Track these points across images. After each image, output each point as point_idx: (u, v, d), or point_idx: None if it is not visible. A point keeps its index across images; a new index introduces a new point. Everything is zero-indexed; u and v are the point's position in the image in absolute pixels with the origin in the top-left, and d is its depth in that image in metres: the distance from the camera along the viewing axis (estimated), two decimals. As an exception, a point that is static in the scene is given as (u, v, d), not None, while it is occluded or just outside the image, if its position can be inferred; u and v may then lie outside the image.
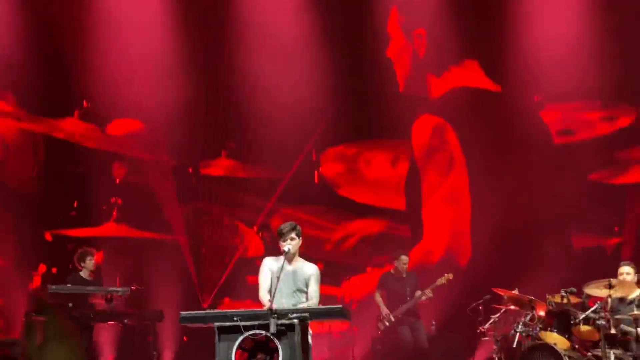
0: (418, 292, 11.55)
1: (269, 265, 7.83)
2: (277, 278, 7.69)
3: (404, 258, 11.85)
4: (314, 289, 7.76)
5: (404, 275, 11.79)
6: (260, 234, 14.59)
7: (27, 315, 10.41)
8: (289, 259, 7.80)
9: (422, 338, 11.57)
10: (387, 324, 11.53)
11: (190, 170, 14.54)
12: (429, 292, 11.56)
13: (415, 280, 11.78)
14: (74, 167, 14.20)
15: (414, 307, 11.64)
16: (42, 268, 13.72)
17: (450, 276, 11.45)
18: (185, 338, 13.10)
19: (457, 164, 14.63)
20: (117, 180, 14.23)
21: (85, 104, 14.15)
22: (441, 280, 11.49)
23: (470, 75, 14.46)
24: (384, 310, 11.58)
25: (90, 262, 11.16)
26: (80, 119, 14.14)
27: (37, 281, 13.53)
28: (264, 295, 7.71)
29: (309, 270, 7.81)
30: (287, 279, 7.77)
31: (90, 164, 14.08)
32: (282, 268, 7.71)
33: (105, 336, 12.35)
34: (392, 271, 11.93)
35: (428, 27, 14.44)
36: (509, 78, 14.00)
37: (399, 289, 11.70)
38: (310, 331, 7.79)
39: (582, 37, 13.52)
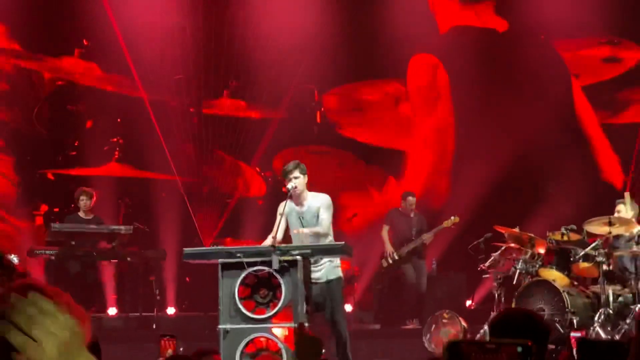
0: (425, 235, 11.41)
1: (282, 209, 7.87)
2: (285, 217, 7.79)
3: (410, 199, 11.71)
4: (323, 217, 7.81)
5: (411, 215, 11.69)
6: (262, 174, 14.61)
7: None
8: (296, 197, 7.84)
9: (422, 281, 11.53)
10: (391, 261, 11.49)
11: (192, 109, 14.50)
12: (430, 236, 11.41)
13: (422, 222, 11.66)
14: (74, 106, 14.18)
15: (419, 247, 11.56)
16: (44, 207, 13.77)
17: (457, 219, 11.26)
18: (187, 279, 13.17)
19: (444, 104, 14.56)
20: (119, 120, 14.22)
21: (85, 42, 14.06)
22: (447, 223, 11.26)
23: (479, 15, 14.33)
24: (389, 247, 11.50)
25: (82, 203, 11.06)
26: (81, 57, 14.06)
27: (39, 220, 13.59)
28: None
29: (318, 201, 7.87)
30: (298, 219, 7.84)
31: (90, 103, 14.05)
32: (285, 206, 7.78)
33: (108, 275, 12.43)
34: (399, 208, 11.83)
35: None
36: (518, 17, 13.89)
37: (405, 228, 11.58)
38: (338, 264, 7.90)
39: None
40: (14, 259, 8.72)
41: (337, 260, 7.93)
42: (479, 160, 13.37)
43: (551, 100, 13.73)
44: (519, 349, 1.56)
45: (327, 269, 7.82)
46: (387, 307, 12.10)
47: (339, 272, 7.94)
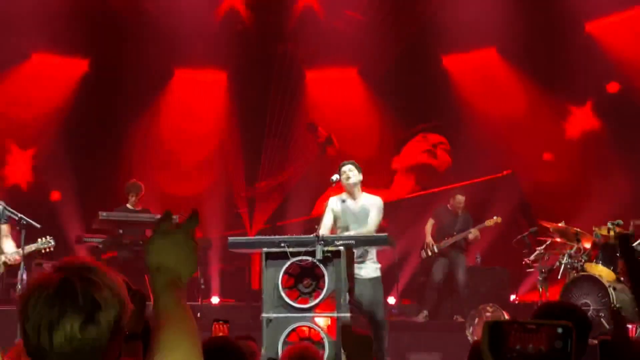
0: (471, 230, 11.50)
1: (333, 205, 7.97)
2: (334, 214, 7.90)
3: (459, 197, 11.82)
4: (371, 217, 7.90)
5: (459, 213, 11.77)
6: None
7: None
8: (351, 190, 7.93)
9: (460, 272, 11.54)
10: (430, 253, 11.59)
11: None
12: (475, 232, 11.51)
13: (468, 222, 11.70)
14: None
15: (460, 242, 11.61)
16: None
17: (499, 219, 11.36)
18: (222, 265, 13.25)
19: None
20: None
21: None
22: (489, 222, 11.38)
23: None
24: (429, 239, 11.62)
25: (132, 199, 11.17)
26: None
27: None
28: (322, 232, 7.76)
29: (371, 201, 7.98)
30: (351, 215, 7.92)
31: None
32: (336, 203, 7.84)
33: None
34: (448, 206, 11.91)
35: None
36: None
37: (450, 224, 11.66)
38: (379, 265, 7.98)
39: None
40: (50, 241, 8.96)
41: (377, 262, 8.09)
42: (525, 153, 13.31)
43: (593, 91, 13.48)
44: (559, 329, 1.56)
45: (369, 268, 7.91)
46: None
47: (379, 273, 8.09)
